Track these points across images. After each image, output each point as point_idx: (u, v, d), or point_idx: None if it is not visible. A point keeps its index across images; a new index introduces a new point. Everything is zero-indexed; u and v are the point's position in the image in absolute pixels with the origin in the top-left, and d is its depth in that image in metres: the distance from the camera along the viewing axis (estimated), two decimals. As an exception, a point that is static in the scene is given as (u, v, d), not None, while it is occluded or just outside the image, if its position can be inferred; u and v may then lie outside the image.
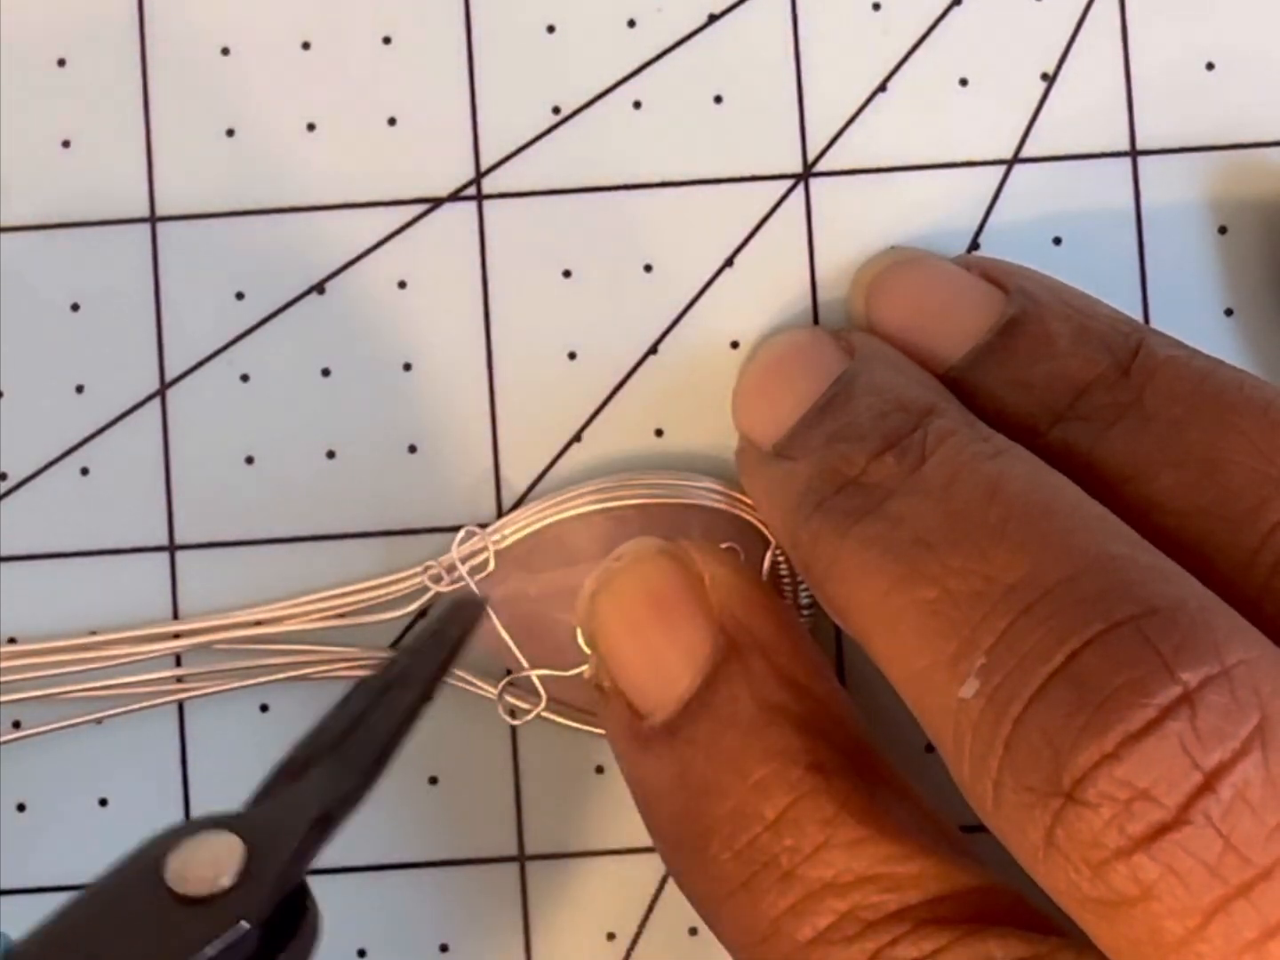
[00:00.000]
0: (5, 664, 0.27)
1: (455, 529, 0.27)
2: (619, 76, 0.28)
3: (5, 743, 0.27)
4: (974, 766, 0.20)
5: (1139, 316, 0.27)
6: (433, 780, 0.27)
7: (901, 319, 0.26)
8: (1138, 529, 0.22)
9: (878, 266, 0.27)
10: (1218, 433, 0.23)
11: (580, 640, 0.25)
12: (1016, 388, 0.25)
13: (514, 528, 0.27)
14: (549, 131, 0.28)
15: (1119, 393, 0.24)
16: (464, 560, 0.26)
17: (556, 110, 0.28)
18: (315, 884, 0.27)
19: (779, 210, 0.28)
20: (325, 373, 0.27)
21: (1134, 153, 0.28)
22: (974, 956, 0.21)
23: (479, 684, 0.27)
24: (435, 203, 0.28)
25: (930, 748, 0.27)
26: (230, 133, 0.28)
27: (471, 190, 0.28)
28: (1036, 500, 0.22)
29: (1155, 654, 0.19)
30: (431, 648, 0.23)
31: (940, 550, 0.22)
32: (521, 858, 0.27)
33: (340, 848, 0.27)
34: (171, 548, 0.27)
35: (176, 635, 0.27)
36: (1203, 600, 0.20)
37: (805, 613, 0.27)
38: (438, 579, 0.27)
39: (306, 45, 0.28)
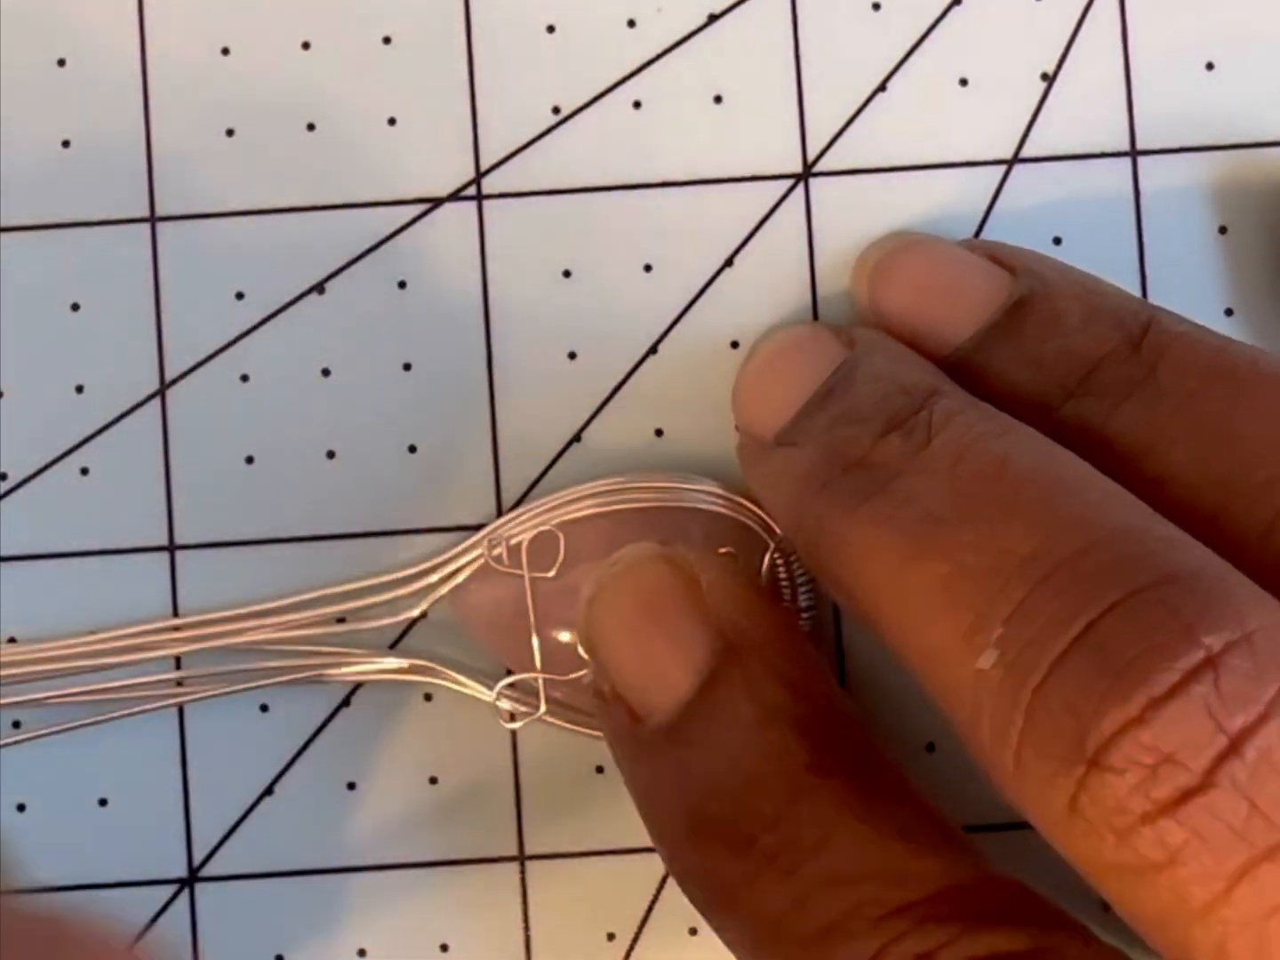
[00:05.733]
0: (5, 664, 0.27)
1: (455, 529, 0.27)
2: (619, 76, 0.28)
3: (5, 744, 0.27)
4: (993, 738, 0.20)
5: (1139, 316, 0.27)
6: (433, 780, 0.27)
7: (907, 300, 0.26)
8: (1152, 502, 0.21)
9: (882, 250, 0.27)
10: (1232, 406, 0.23)
11: (579, 647, 0.25)
12: (1027, 366, 0.24)
13: (514, 529, 0.27)
14: (549, 131, 0.28)
15: (1131, 368, 0.24)
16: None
17: (556, 110, 0.28)
18: (316, 883, 0.27)
19: (779, 210, 0.28)
20: (325, 373, 0.27)
21: (1134, 153, 0.28)
22: (980, 950, 0.21)
23: (477, 686, 0.27)
24: (435, 203, 0.28)
25: (931, 747, 0.27)
26: (230, 133, 0.28)
27: (471, 190, 0.28)
28: (1047, 474, 0.22)
29: (1177, 620, 0.19)
30: None
31: (952, 525, 0.22)
32: (521, 858, 0.27)
33: (340, 847, 0.27)
34: (171, 548, 0.27)
35: (176, 634, 0.27)
36: (1220, 568, 0.20)
37: (804, 615, 0.27)
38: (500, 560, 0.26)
39: (306, 45, 0.28)
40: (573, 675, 0.26)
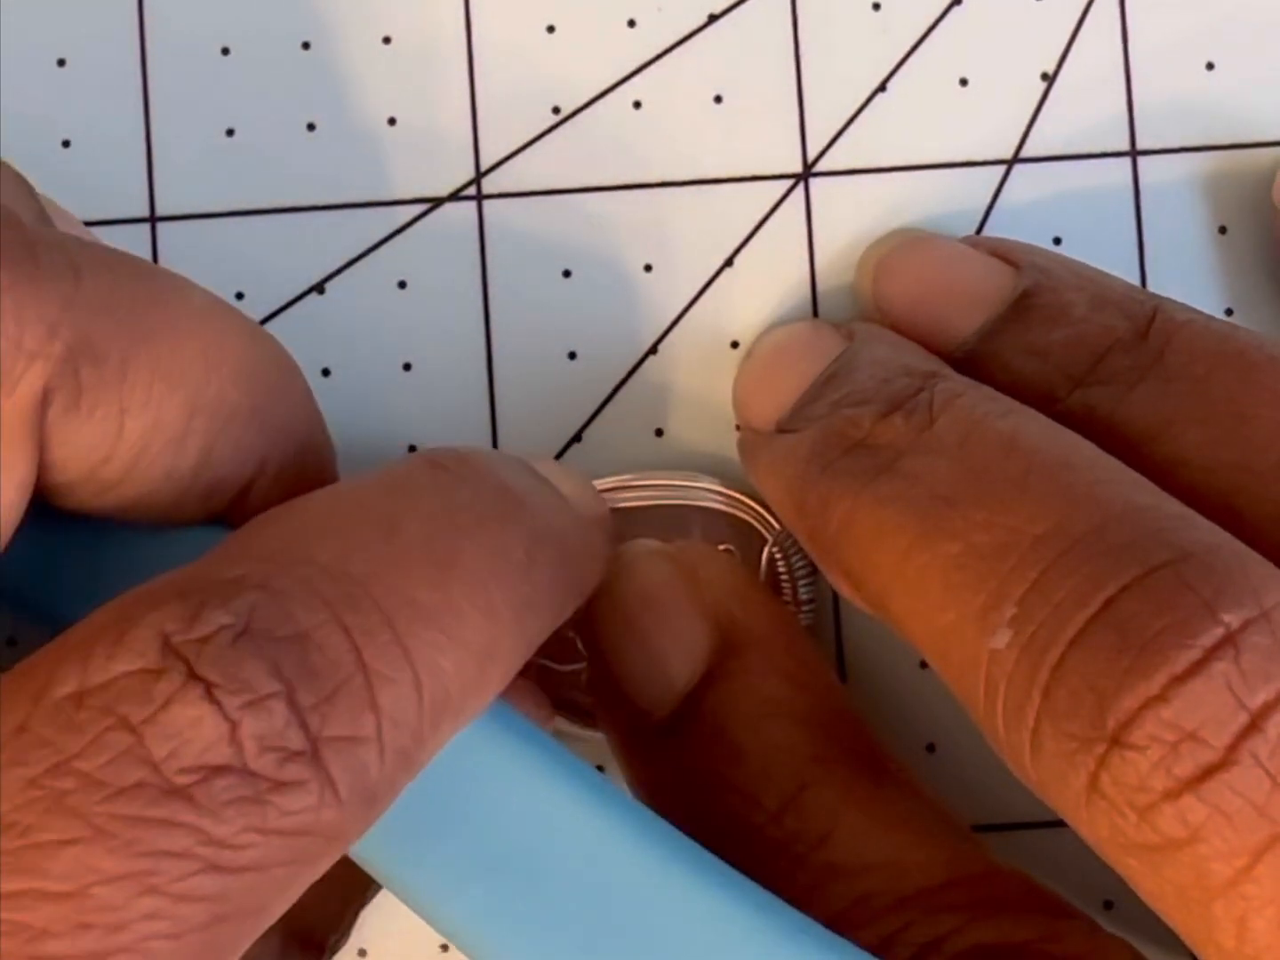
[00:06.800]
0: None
1: (455, 529, 0.27)
2: (619, 76, 0.28)
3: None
4: (1009, 718, 0.20)
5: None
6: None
7: (912, 296, 0.26)
8: (1164, 486, 0.22)
9: (885, 248, 0.27)
10: (1242, 388, 0.23)
11: (579, 644, 0.25)
12: (1034, 356, 0.24)
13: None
14: (549, 131, 0.28)
15: (1139, 355, 0.24)
16: None
17: (556, 110, 0.28)
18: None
19: (779, 210, 0.28)
20: (325, 373, 0.27)
21: (1134, 153, 0.28)
22: (988, 937, 0.21)
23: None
24: (435, 203, 0.28)
25: (931, 748, 0.27)
26: (230, 133, 0.28)
27: (471, 190, 0.28)
28: (1055, 454, 0.22)
29: (1195, 597, 0.19)
30: None
31: (962, 505, 0.21)
32: (521, 858, 0.27)
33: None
34: (171, 547, 0.27)
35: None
36: (1234, 546, 0.20)
37: (803, 610, 0.27)
38: None
39: (306, 45, 0.28)
40: (570, 667, 0.26)
